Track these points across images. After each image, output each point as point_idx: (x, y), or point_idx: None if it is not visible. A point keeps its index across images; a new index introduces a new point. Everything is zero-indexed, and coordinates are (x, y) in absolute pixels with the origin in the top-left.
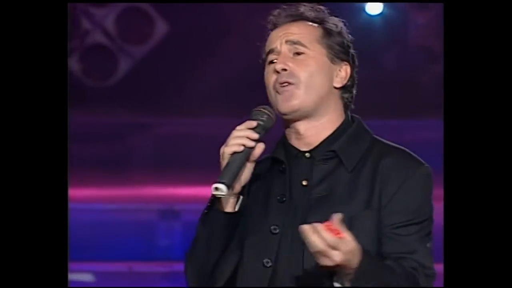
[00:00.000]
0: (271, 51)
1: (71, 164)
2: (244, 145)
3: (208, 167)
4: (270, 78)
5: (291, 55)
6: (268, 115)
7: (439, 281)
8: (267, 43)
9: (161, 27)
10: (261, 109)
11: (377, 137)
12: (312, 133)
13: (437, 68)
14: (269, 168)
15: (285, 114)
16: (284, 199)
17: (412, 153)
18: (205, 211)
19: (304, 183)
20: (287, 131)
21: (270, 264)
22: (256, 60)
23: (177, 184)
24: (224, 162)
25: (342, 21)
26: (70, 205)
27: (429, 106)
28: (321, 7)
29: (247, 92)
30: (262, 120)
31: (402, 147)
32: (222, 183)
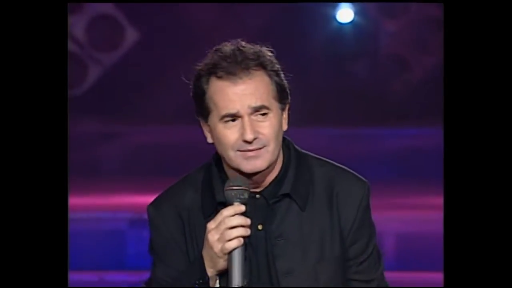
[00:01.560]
0: (230, 115)
1: None
2: (242, 236)
3: (177, 175)
4: (231, 139)
5: (254, 116)
6: (247, 190)
7: (439, 282)
8: (219, 99)
9: (131, 35)
10: (238, 187)
11: (305, 152)
12: (262, 178)
13: (408, 76)
14: (214, 211)
15: (248, 173)
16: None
17: (349, 169)
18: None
19: (260, 227)
20: (231, 172)
21: None
22: None
23: (147, 193)
24: (221, 256)
25: (270, 50)
26: None
27: (400, 114)
28: (253, 46)
29: None
30: (245, 200)
31: (336, 164)
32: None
